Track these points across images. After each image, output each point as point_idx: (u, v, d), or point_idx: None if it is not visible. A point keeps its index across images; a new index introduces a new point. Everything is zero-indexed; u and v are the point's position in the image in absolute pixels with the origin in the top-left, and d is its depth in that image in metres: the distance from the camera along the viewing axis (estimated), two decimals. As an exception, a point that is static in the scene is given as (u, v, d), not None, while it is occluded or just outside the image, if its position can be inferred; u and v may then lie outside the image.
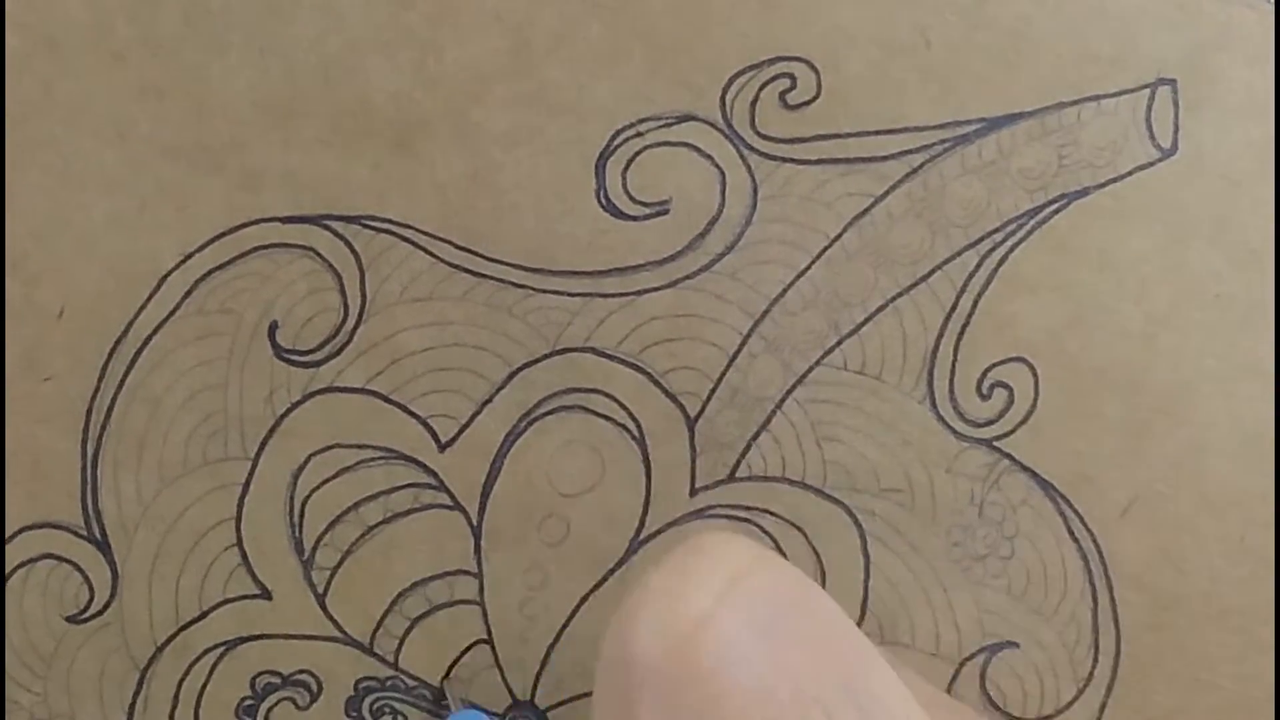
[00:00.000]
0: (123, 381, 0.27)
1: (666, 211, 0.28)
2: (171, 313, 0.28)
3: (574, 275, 0.28)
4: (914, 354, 0.28)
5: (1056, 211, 0.27)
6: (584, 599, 0.28)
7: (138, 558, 0.27)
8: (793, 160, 0.27)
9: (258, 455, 0.28)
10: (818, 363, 0.28)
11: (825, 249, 0.28)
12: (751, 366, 0.28)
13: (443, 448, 0.28)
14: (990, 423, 0.28)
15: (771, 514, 0.28)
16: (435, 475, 0.28)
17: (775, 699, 0.14)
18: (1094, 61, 0.27)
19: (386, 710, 0.28)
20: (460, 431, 0.28)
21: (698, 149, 0.27)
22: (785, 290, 0.28)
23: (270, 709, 0.28)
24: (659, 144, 0.27)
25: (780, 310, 0.28)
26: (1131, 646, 0.27)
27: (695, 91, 0.27)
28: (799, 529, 0.28)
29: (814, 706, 0.14)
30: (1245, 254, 0.27)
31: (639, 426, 0.28)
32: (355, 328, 0.28)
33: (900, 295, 0.28)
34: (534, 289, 0.28)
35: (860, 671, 0.15)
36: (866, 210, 0.28)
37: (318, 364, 0.28)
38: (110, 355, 0.27)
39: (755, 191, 0.28)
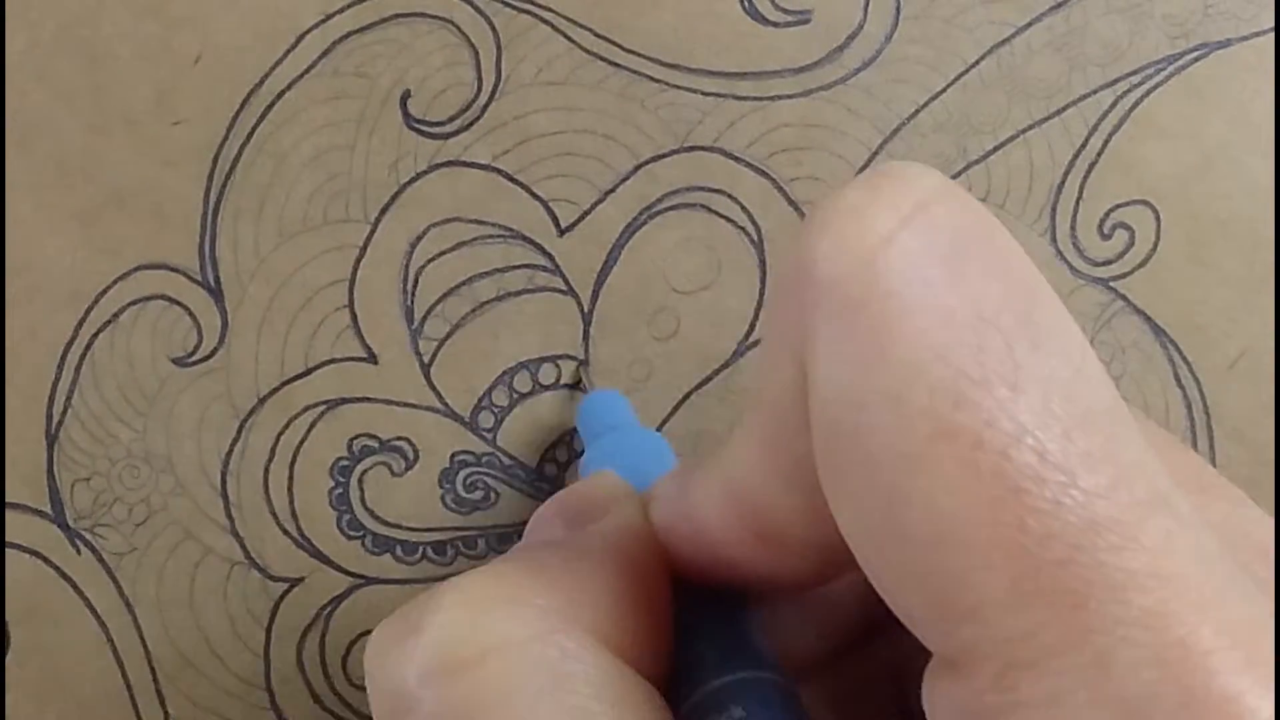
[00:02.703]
0: (251, 133, 0.28)
1: (808, 21, 0.28)
2: (306, 70, 0.28)
3: (709, 74, 0.28)
4: (1039, 187, 0.28)
5: (1197, 59, 0.28)
6: (686, 396, 0.28)
7: (249, 308, 0.28)
8: (940, -19, 0.27)
9: (378, 221, 0.28)
10: (943, 186, 0.28)
11: (962, 74, 0.28)
12: (877, 183, 0.28)
13: (562, 232, 0.28)
14: (1108, 263, 0.28)
15: (881, 331, 0.28)
16: (551, 258, 0.28)
17: (954, 321, 0.14)
18: (1251, -88, 0.27)
19: (480, 485, 0.28)
20: (581, 218, 0.28)
21: (846, -40, 0.27)
22: (918, 111, 0.28)
23: (365, 472, 0.28)
24: (809, -49, 0.27)
25: (911, 130, 0.28)
26: (1226, 498, 0.27)
27: (850, -97, 0.27)
28: (907, 349, 0.28)
29: (992, 331, 0.14)
30: (1381, 119, 0.27)
31: (759, 231, 0.28)
32: (487, 104, 0.28)
33: (1032, 128, 0.28)
34: (668, 84, 0.28)
35: (1039, 306, 0.14)
36: (1007, 40, 0.28)
37: (446, 136, 0.28)
38: (242, 106, 0.28)
39: (898, 10, 0.28)
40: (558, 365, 0.28)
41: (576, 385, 0.27)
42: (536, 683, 0.16)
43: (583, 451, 0.26)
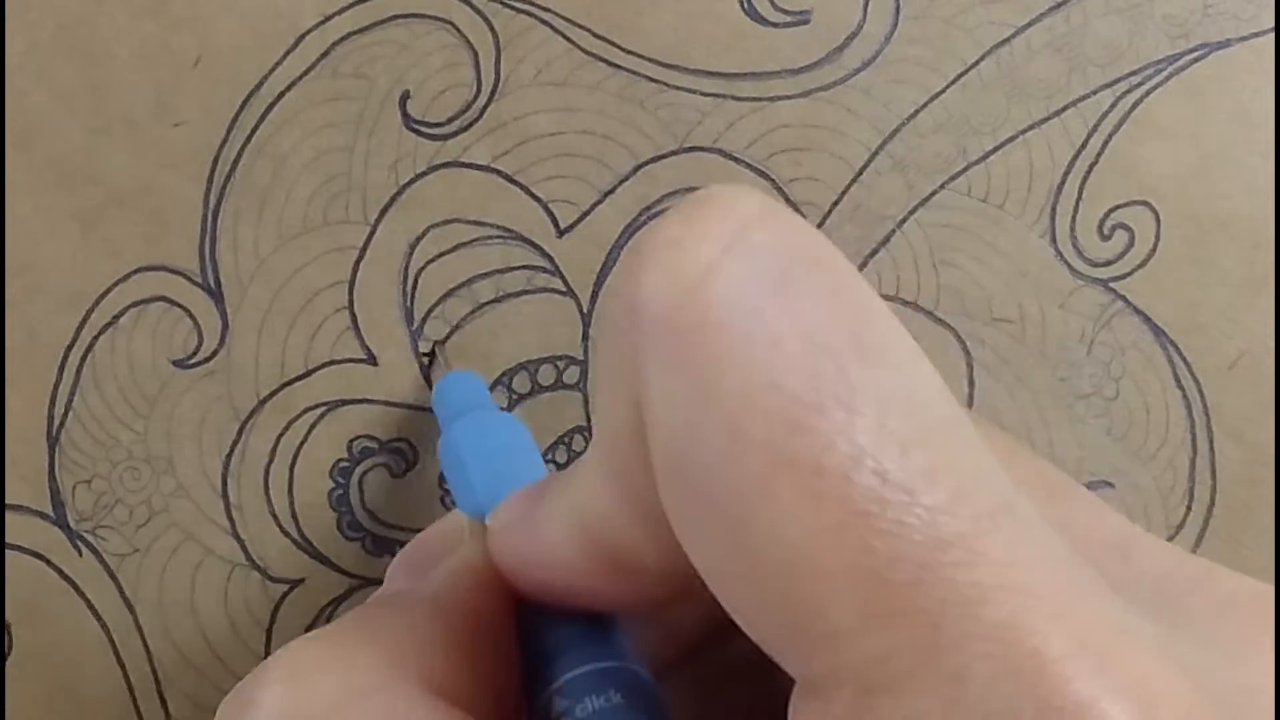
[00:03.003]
0: (251, 135, 0.28)
1: (807, 21, 0.28)
2: (306, 72, 0.28)
3: (709, 75, 0.28)
4: (1039, 187, 0.28)
5: (1196, 60, 0.27)
6: (686, 397, 0.28)
7: (249, 310, 0.28)
8: (939, -19, 0.27)
9: (377, 222, 0.28)
10: (943, 186, 0.28)
11: (962, 74, 0.28)
12: (876, 183, 0.28)
13: (561, 233, 0.28)
14: (1108, 263, 0.28)
15: (881, 332, 0.28)
16: (551, 260, 0.28)
17: (784, 347, 0.13)
18: (1251, -88, 0.27)
19: (480, 486, 0.28)
20: (580, 219, 0.28)
21: (846, -39, 0.27)
22: (918, 111, 0.28)
23: (364, 473, 0.28)
24: (808, -48, 0.27)
25: (911, 130, 0.28)
26: (1226, 498, 0.27)
27: (849, -97, 0.27)
28: (907, 349, 0.28)
29: (823, 355, 0.13)
30: (1381, 119, 0.27)
31: (758, 232, 0.28)
32: (486, 105, 0.28)
33: (1032, 128, 0.28)
34: (668, 85, 0.28)
35: (869, 323, 0.14)
36: (1007, 40, 0.28)
37: (445, 137, 0.28)
38: (242, 108, 0.28)
39: (898, 10, 0.28)
40: (557, 366, 0.28)
41: (431, 361, 0.27)
42: None
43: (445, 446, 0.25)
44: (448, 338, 0.27)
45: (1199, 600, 0.15)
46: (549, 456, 0.28)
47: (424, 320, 0.28)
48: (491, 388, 0.28)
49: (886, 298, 0.28)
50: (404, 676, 0.16)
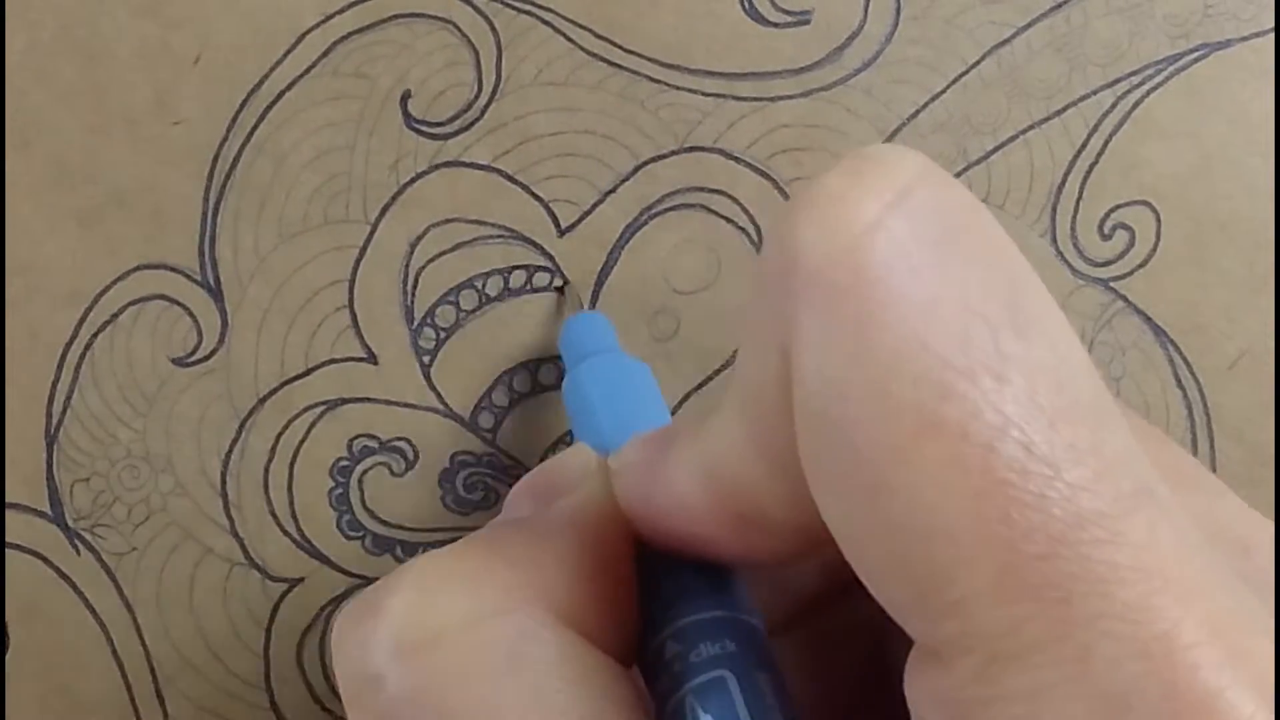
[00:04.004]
0: (251, 134, 0.28)
1: (808, 22, 0.28)
2: (306, 71, 0.28)
3: (709, 75, 0.28)
4: (1039, 188, 0.28)
5: (1197, 60, 0.28)
6: (686, 396, 0.28)
7: (249, 308, 0.28)
8: (940, -19, 0.27)
9: (378, 221, 0.28)
10: (943, 186, 0.28)
11: (962, 75, 0.28)
12: (877, 183, 0.28)
13: (562, 232, 0.28)
14: (1109, 263, 0.28)
15: (882, 331, 0.28)
16: (552, 259, 0.28)
17: (940, 311, 0.13)
18: (1250, -87, 0.27)
19: (480, 486, 0.28)
20: (581, 218, 0.28)
21: (847, -39, 0.27)
22: (918, 111, 0.28)
23: (364, 472, 0.28)
24: (809, -48, 0.27)
25: (911, 130, 0.28)
26: (1226, 498, 0.27)
27: (850, -97, 0.27)
28: (907, 349, 0.28)
29: (977, 321, 0.13)
30: (1381, 120, 0.27)
31: (759, 231, 0.28)
32: (487, 105, 0.28)
33: (1032, 128, 0.28)
34: (668, 84, 0.28)
35: (1024, 294, 0.14)
36: (1007, 40, 0.28)
37: (446, 137, 0.28)
38: (242, 107, 0.28)
39: (898, 10, 0.28)
40: (558, 365, 0.28)
41: (560, 288, 0.27)
42: (493, 662, 0.16)
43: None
44: (567, 280, 0.27)
45: None
46: (549, 454, 0.28)
47: (425, 319, 0.28)
48: (493, 387, 0.28)
49: (887, 297, 0.28)
50: (532, 600, 0.16)
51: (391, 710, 0.16)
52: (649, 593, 0.18)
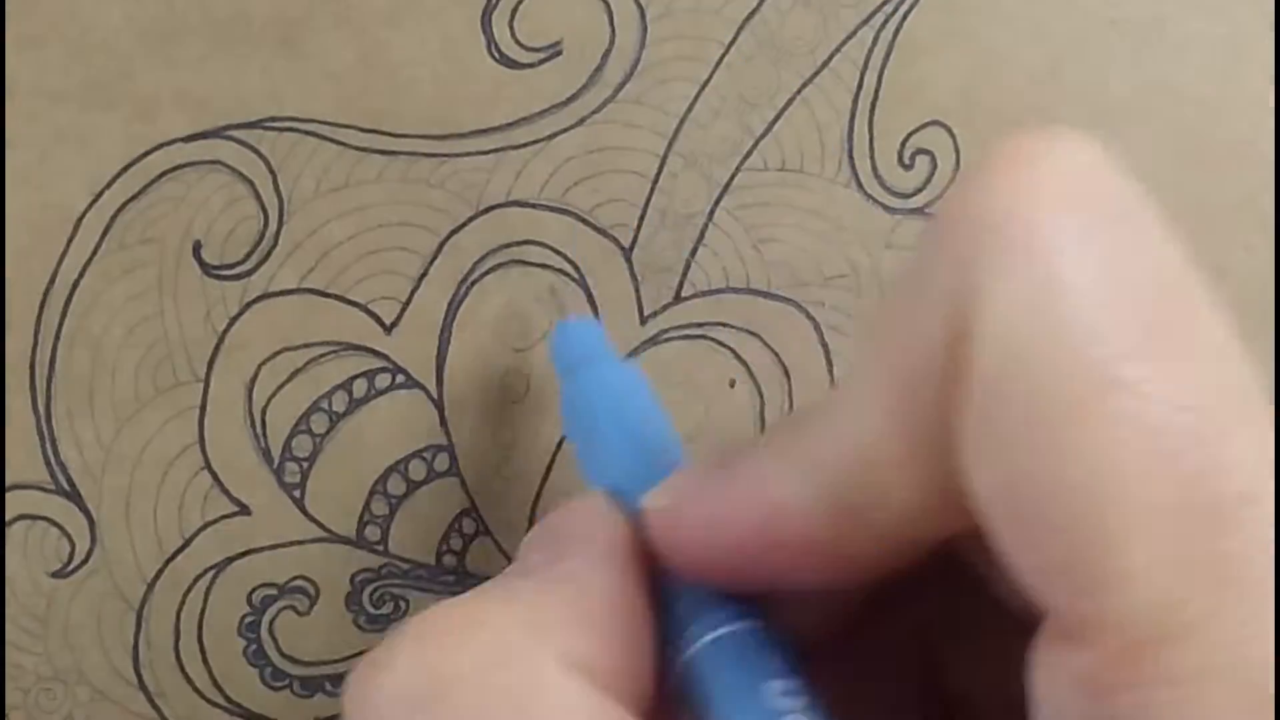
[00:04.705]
0: (59, 331, 0.27)
1: (560, 53, 0.28)
2: (93, 253, 0.27)
3: (483, 134, 0.28)
4: (830, 140, 0.28)
5: (939, -28, 0.28)
6: (558, 447, 0.28)
7: (110, 501, 0.27)
8: (672, -25, 0.27)
9: (208, 375, 0.27)
10: (739, 168, 0.28)
11: (723, 56, 0.28)
12: (675, 186, 0.28)
13: (389, 329, 0.28)
14: (919, 191, 0.28)
15: (725, 325, 0.28)
16: (387, 358, 0.28)
17: (1128, 282, 0.14)
18: None
19: (387, 598, 0.28)
20: (403, 310, 0.28)
21: (577, -16, 0.27)
22: (692, 104, 0.28)
23: (272, 621, 0.28)
24: (538, -13, 0.27)
25: (691, 125, 0.28)
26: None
27: (562, -72, 0.27)
28: (754, 335, 0.28)
29: (1161, 296, 0.14)
30: (1130, -27, 0.27)
31: (577, 268, 0.28)
32: (278, 230, 0.27)
33: (805, 86, 0.28)
34: (446, 155, 0.28)
35: (1192, 280, 0.15)
36: (756, 9, 0.28)
37: (248, 274, 0.27)
38: (41, 307, 0.27)
39: (643, 14, 0.28)
40: (425, 458, 0.28)
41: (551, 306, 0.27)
42: (499, 712, 0.15)
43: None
44: (553, 286, 0.27)
45: None
46: (445, 548, 0.28)
47: (283, 455, 0.28)
48: (369, 499, 0.28)
49: (718, 290, 0.28)
50: (542, 647, 0.16)
51: None
52: (673, 628, 0.18)
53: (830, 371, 0.28)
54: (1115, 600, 0.13)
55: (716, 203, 0.28)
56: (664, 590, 0.18)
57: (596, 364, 0.24)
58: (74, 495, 0.27)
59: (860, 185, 0.28)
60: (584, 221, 0.28)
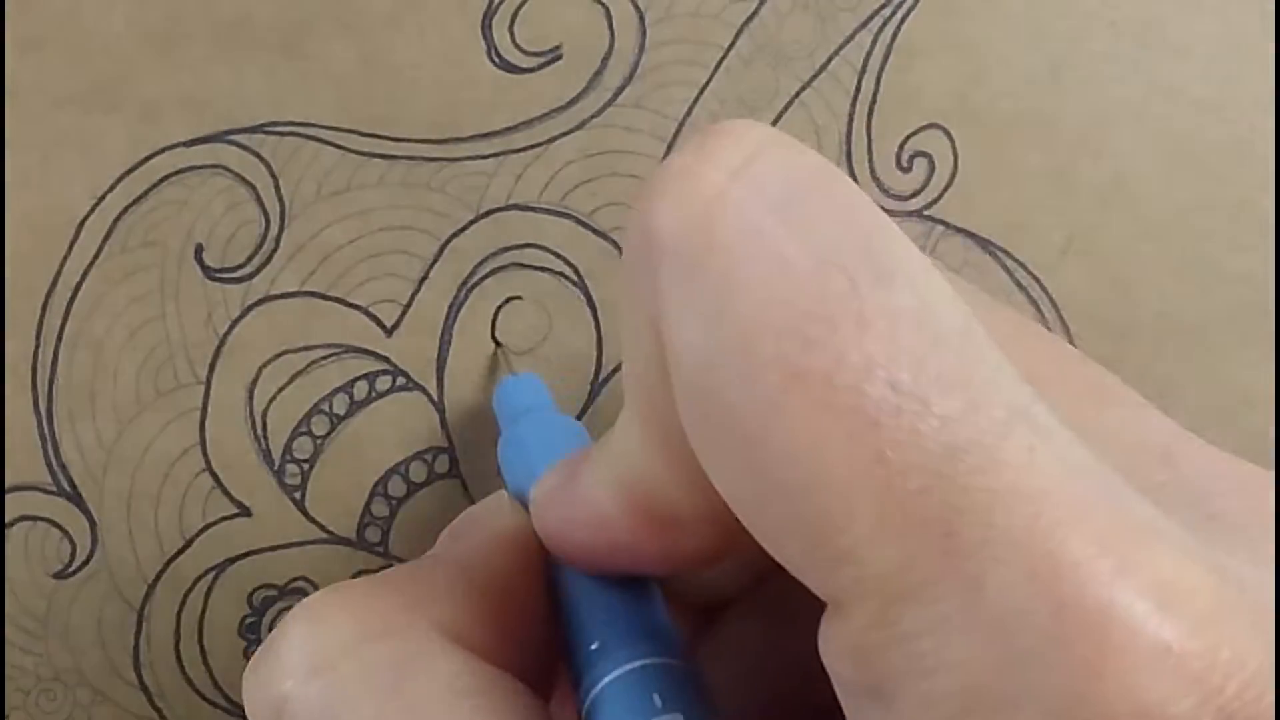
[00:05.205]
0: (61, 333, 0.27)
1: (560, 57, 0.28)
2: (95, 257, 0.28)
3: (483, 138, 0.28)
4: (829, 143, 0.28)
5: (937, -24, 0.28)
6: (558, 450, 0.28)
7: (111, 502, 0.27)
8: (671, -21, 0.28)
9: (209, 377, 0.28)
10: (737, 171, 0.28)
11: (721, 60, 0.28)
12: (674, 189, 0.28)
13: (390, 332, 0.28)
14: (916, 193, 0.28)
15: (724, 328, 0.28)
16: (388, 360, 0.28)
17: (793, 267, 0.14)
18: None
19: (387, 600, 0.28)
20: (404, 313, 0.28)
21: (576, -12, 0.28)
22: (691, 108, 0.28)
23: (273, 621, 0.28)
24: (537, -9, 0.28)
25: (690, 128, 0.28)
26: (1101, 381, 0.27)
27: (562, -67, 0.28)
28: (754, 337, 0.28)
29: (833, 271, 0.14)
30: (1128, -23, 0.28)
31: (577, 271, 0.28)
32: (280, 234, 0.28)
33: (803, 89, 0.28)
34: (447, 159, 0.28)
35: (879, 239, 0.14)
36: (754, 13, 0.28)
37: (250, 277, 0.28)
38: (43, 310, 0.27)
39: (642, 18, 0.28)
40: (425, 460, 0.28)
41: (493, 363, 0.27)
42: (379, 683, 0.16)
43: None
44: (499, 342, 0.27)
45: (1237, 503, 0.15)
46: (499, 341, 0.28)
47: (284, 456, 0.28)
48: (369, 501, 0.28)
49: (718, 294, 0.28)
50: (418, 621, 0.17)
51: None
52: (568, 615, 0.19)
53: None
54: (850, 574, 0.13)
55: (715, 205, 0.28)
56: (560, 581, 0.19)
57: (534, 414, 0.25)
58: (75, 497, 0.27)
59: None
60: (584, 225, 0.28)
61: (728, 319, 0.14)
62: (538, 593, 0.19)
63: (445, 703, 0.16)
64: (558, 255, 0.28)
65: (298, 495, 0.28)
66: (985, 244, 0.28)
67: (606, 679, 0.17)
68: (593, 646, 0.18)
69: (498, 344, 0.27)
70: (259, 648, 0.18)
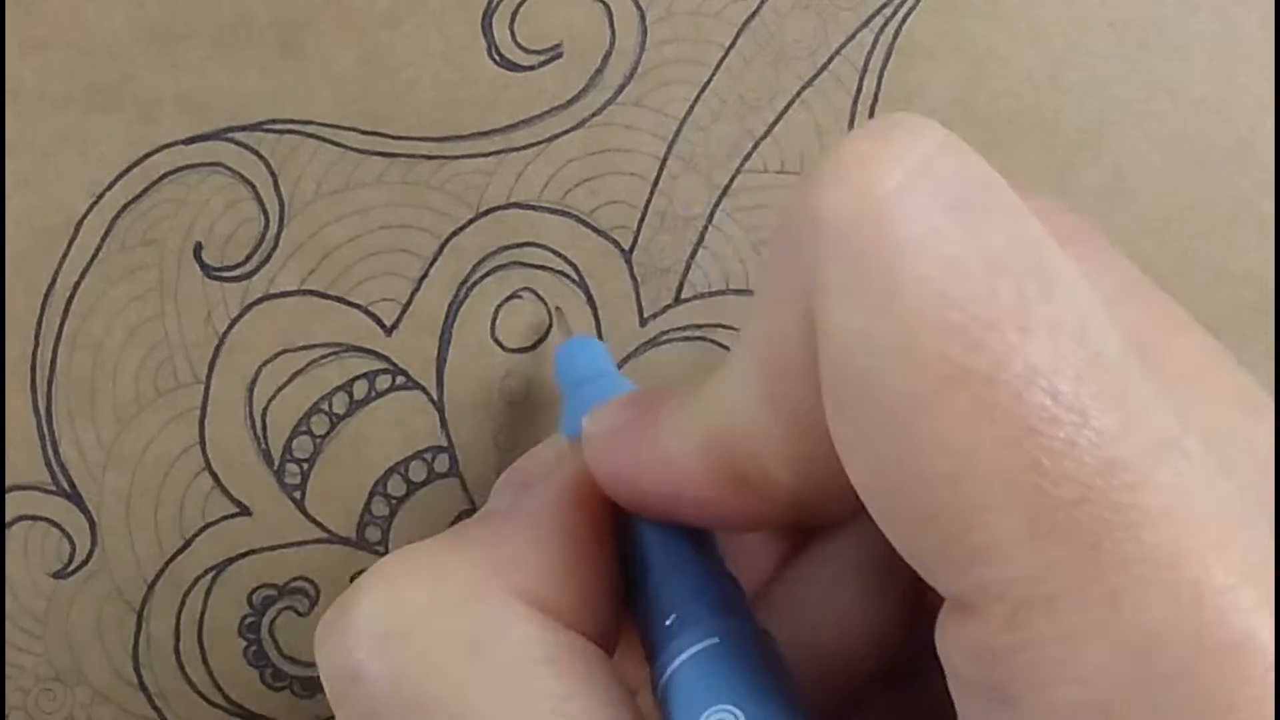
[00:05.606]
0: (60, 332, 0.27)
1: (560, 55, 0.28)
2: (94, 255, 0.27)
3: (483, 136, 0.28)
4: (830, 142, 0.28)
5: (938, -25, 0.28)
6: (559, 449, 0.28)
7: (111, 502, 0.27)
8: (672, -22, 0.28)
9: (209, 377, 0.27)
10: (739, 170, 0.28)
11: (723, 59, 0.28)
12: (674, 188, 0.28)
13: (389, 331, 0.28)
14: (918, 193, 0.28)
15: (724, 327, 0.28)
16: (387, 359, 0.28)
17: (964, 269, 0.14)
18: None
19: (388, 599, 0.28)
20: (403, 312, 0.28)
21: (577, -14, 0.28)
22: (692, 107, 0.28)
23: (272, 621, 0.28)
24: (538, -11, 0.28)
25: (691, 127, 0.28)
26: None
27: (562, -69, 0.27)
28: (754, 336, 0.28)
29: (1003, 276, 0.14)
30: (1129, -24, 0.27)
31: (577, 269, 0.28)
32: (279, 232, 0.28)
33: (805, 88, 0.28)
34: (447, 157, 0.28)
35: (1046, 255, 0.14)
36: (755, 12, 0.28)
37: (249, 275, 0.28)
38: (43, 309, 0.27)
39: (643, 17, 0.28)
40: (425, 460, 0.28)
41: (550, 327, 0.27)
42: (458, 649, 0.16)
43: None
44: (558, 306, 0.27)
45: None
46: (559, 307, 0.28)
47: (283, 456, 0.28)
48: (369, 500, 0.28)
49: (718, 292, 0.28)
50: (494, 586, 0.17)
51: (372, 702, 0.16)
52: (633, 562, 0.19)
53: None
54: (988, 574, 0.13)
55: (716, 205, 0.28)
56: (625, 526, 0.19)
57: (601, 380, 0.24)
58: (75, 496, 0.27)
59: (860, 187, 0.28)
60: (584, 223, 0.28)
61: (894, 311, 0.14)
62: (610, 548, 0.19)
63: (522, 671, 0.16)
64: (558, 254, 0.28)
65: (297, 495, 0.28)
66: (986, 243, 0.28)
67: (683, 656, 0.17)
68: (668, 622, 0.18)
69: (556, 308, 0.27)
70: (330, 610, 0.17)
